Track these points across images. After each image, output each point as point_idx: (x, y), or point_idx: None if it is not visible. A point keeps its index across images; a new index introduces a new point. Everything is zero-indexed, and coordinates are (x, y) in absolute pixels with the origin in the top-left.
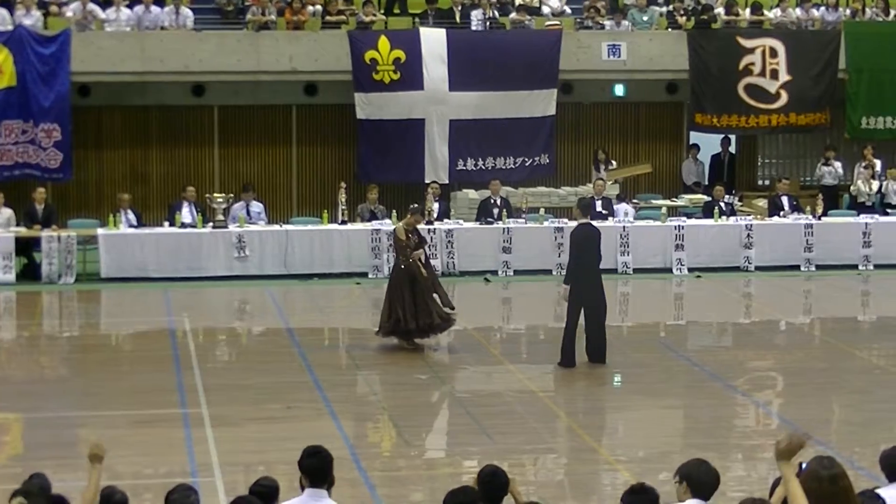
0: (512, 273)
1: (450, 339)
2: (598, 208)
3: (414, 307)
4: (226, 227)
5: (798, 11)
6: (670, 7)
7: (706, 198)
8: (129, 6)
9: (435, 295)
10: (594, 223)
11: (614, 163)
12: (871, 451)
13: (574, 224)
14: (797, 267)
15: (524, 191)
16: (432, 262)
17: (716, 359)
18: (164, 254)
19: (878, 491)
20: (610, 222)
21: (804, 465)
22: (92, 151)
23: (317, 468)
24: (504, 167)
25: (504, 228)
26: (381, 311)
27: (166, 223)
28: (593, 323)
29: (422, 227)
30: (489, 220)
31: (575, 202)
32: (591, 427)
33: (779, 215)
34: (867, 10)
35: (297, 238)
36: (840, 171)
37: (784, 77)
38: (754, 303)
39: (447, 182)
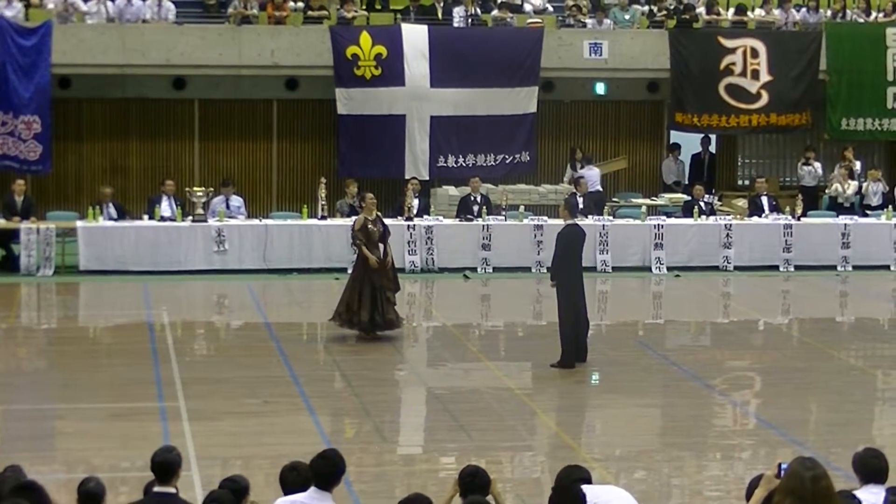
0: (491, 270)
1: (428, 336)
2: (580, 205)
3: (370, 301)
4: (205, 220)
5: (777, 13)
6: (653, 7)
7: (686, 197)
8: None
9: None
10: (580, 224)
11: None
12: (849, 452)
13: (561, 224)
14: (776, 267)
15: (504, 188)
16: (412, 258)
17: (694, 358)
18: (143, 247)
19: (854, 492)
20: (590, 220)
21: (784, 466)
22: (72, 144)
23: (324, 472)
24: (484, 164)
25: (484, 225)
26: (339, 299)
27: (145, 216)
28: (582, 321)
29: (401, 223)
30: (469, 216)
31: (561, 202)
32: (568, 425)
33: (758, 215)
34: (848, 11)
35: (276, 232)
36: (820, 171)
37: (765, 77)
38: (733, 302)
39: (427, 178)
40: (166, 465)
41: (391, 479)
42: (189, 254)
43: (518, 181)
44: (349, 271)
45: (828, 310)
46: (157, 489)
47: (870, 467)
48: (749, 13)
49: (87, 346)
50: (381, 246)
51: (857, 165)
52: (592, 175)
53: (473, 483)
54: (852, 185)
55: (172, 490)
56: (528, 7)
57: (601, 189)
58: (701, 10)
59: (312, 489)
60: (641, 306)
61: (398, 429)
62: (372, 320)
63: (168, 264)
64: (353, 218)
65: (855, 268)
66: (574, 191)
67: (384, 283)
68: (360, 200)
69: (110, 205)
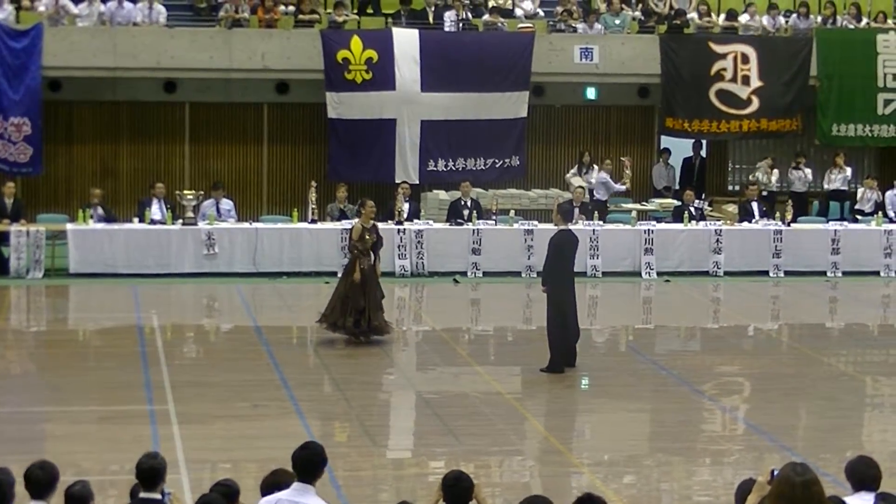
0: (481, 274)
1: (418, 340)
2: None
3: (357, 306)
4: (195, 224)
5: (765, 19)
6: (643, 17)
7: (676, 202)
8: (102, 1)
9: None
10: (573, 230)
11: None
12: (838, 458)
13: (553, 229)
14: (766, 272)
15: (494, 192)
16: (402, 262)
17: (683, 363)
18: (133, 250)
19: (845, 500)
20: (580, 225)
21: (777, 472)
22: (62, 146)
23: (306, 462)
24: (475, 168)
25: (474, 230)
26: (328, 302)
27: (136, 219)
28: (571, 327)
29: (391, 226)
30: (459, 221)
31: (555, 207)
32: (557, 429)
33: (748, 221)
34: (838, 17)
35: (266, 236)
36: (810, 177)
37: (755, 83)
38: (722, 308)
39: (417, 182)
40: (151, 472)
41: (380, 484)
42: (179, 257)
43: (508, 185)
44: (339, 275)
45: (818, 315)
46: (142, 495)
47: (861, 475)
48: (741, 18)
49: (76, 349)
50: (371, 255)
51: (849, 171)
52: (596, 180)
53: (456, 488)
54: (774, 174)
55: (157, 496)
56: (519, 12)
57: (602, 199)
58: (692, 15)
59: (296, 484)
60: (631, 311)
61: (387, 433)
62: (357, 325)
63: (158, 267)
64: (345, 222)
65: (845, 273)
66: (572, 195)
67: (374, 290)
68: (360, 206)
69: (98, 207)
